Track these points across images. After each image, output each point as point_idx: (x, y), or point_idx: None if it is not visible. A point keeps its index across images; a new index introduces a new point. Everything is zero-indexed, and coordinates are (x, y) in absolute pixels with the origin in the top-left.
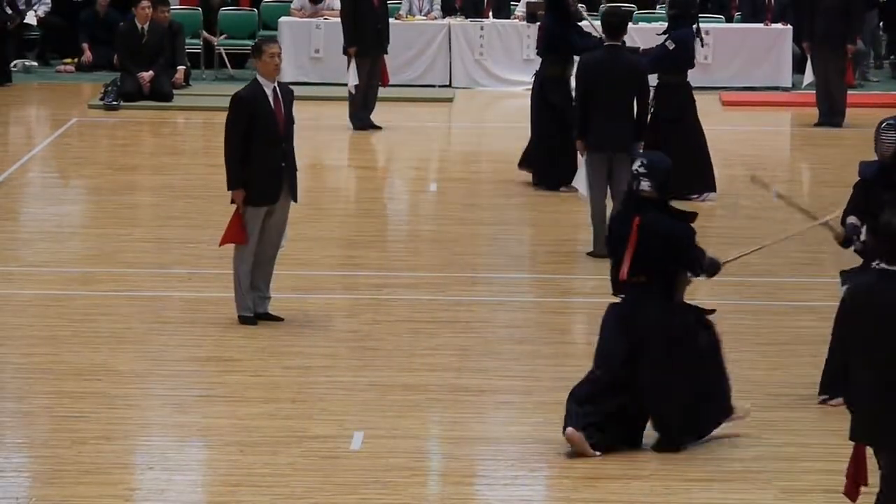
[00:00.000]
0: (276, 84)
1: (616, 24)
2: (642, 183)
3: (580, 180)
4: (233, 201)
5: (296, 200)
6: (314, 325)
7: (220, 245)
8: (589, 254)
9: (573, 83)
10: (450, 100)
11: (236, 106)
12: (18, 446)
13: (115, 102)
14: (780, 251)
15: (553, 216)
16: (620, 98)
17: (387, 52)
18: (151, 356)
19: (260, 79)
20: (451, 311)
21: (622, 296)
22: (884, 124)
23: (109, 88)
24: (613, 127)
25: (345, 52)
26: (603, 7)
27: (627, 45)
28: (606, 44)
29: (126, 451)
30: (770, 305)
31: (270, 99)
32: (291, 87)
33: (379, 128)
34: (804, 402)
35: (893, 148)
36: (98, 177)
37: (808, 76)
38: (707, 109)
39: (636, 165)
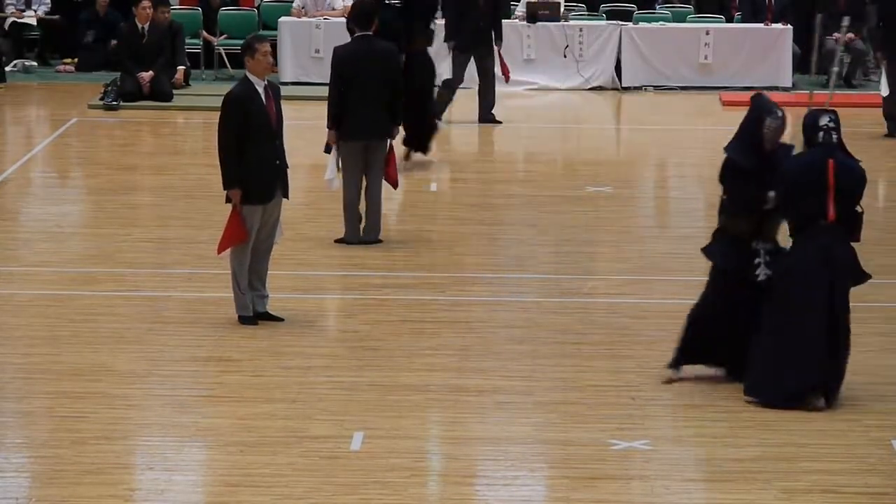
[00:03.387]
0: (266, 82)
1: (366, 13)
2: (834, 135)
3: (330, 169)
4: (228, 200)
5: (287, 197)
6: (314, 325)
7: (219, 252)
8: (338, 241)
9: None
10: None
11: (230, 105)
12: (18, 446)
13: (115, 102)
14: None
15: (553, 216)
16: (375, 86)
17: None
18: (151, 356)
19: (251, 77)
20: (451, 311)
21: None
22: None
23: (109, 88)
24: (370, 115)
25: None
26: (603, 7)
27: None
28: (357, 34)
29: (126, 451)
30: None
31: (263, 97)
32: (293, 85)
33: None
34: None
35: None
36: (98, 177)
37: (884, 87)
38: (707, 109)
39: (826, 121)
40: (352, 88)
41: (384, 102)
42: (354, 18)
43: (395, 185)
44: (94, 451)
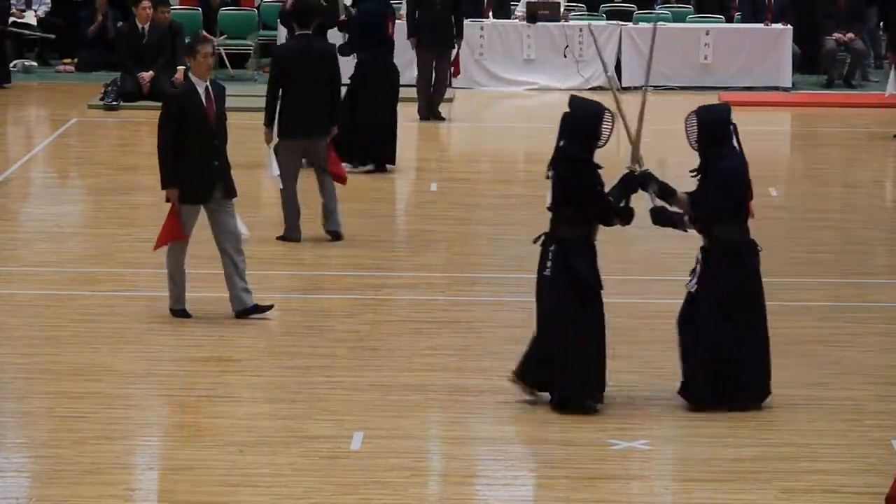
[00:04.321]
0: (208, 83)
1: (305, 12)
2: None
3: (272, 166)
4: (168, 200)
5: (230, 198)
6: (314, 325)
7: (155, 248)
8: (279, 238)
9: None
10: (450, 100)
11: (169, 105)
12: (18, 446)
13: (115, 102)
14: (781, 251)
15: None
16: (314, 84)
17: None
18: (151, 356)
19: (193, 78)
20: (451, 311)
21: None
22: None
23: (109, 88)
24: (308, 113)
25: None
26: (603, 7)
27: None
28: (297, 33)
29: (126, 451)
30: (770, 305)
31: (203, 97)
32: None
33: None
34: (804, 402)
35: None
36: (98, 177)
37: (891, 85)
38: None
39: (731, 115)
40: (291, 87)
41: (323, 101)
42: (294, 16)
43: (343, 181)
44: (94, 451)
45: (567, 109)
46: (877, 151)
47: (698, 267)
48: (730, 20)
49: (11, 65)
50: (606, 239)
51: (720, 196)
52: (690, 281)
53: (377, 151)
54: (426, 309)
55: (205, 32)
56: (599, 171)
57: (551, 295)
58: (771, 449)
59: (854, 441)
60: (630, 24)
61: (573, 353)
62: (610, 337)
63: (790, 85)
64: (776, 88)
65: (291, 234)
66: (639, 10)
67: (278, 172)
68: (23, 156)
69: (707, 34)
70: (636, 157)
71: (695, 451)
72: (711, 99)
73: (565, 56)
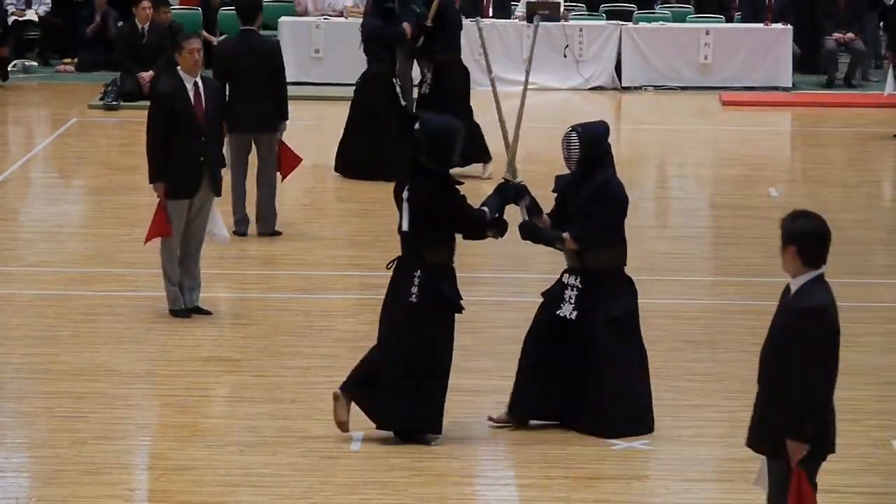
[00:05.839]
0: (197, 79)
1: (250, 7)
2: None
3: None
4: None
5: (218, 195)
6: (314, 325)
7: (144, 243)
8: (235, 233)
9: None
10: None
11: (155, 100)
12: (18, 446)
13: (115, 102)
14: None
15: None
16: (259, 80)
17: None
18: (151, 356)
19: (181, 73)
20: None
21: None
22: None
23: (109, 88)
24: (254, 107)
25: None
26: (603, 7)
27: None
28: (242, 28)
29: (126, 451)
30: (770, 305)
31: (191, 94)
32: (293, 85)
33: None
34: None
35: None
36: (98, 177)
37: (890, 85)
38: (707, 109)
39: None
40: (237, 83)
41: (269, 96)
42: (239, 12)
43: (283, 177)
44: (94, 451)
45: (419, 127)
46: (877, 151)
47: (573, 292)
48: (730, 20)
49: (11, 65)
50: None
51: (612, 215)
52: (563, 307)
53: (476, 149)
54: None
55: (205, 32)
56: (458, 186)
57: (421, 322)
58: None
59: (854, 441)
60: (630, 24)
61: (442, 383)
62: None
63: (790, 85)
64: (776, 88)
65: (241, 227)
66: (639, 10)
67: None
68: (23, 156)
69: (707, 34)
70: (512, 168)
71: (695, 451)
72: (712, 98)
73: (565, 56)
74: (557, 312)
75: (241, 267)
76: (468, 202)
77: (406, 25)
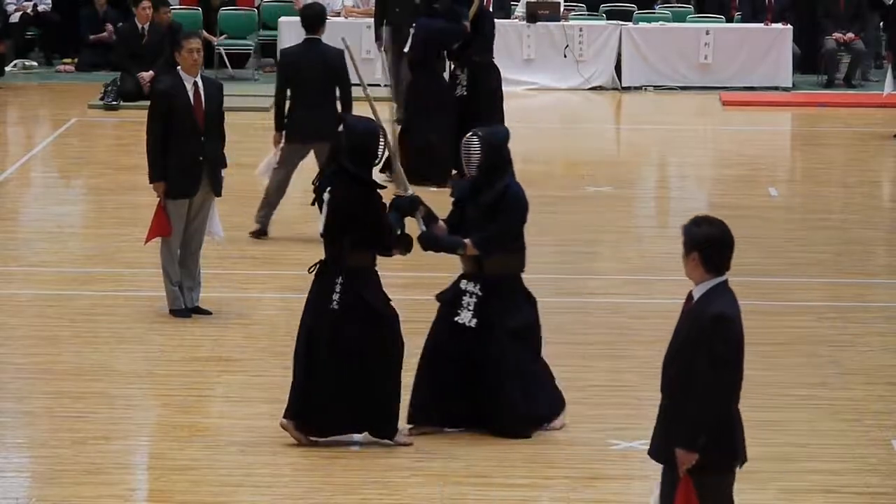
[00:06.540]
0: (198, 78)
1: (313, 16)
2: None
3: (266, 166)
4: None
5: (218, 195)
6: None
7: (145, 243)
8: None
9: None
10: None
11: (154, 99)
12: (18, 446)
13: (115, 102)
14: (781, 251)
15: (553, 216)
16: (319, 89)
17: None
18: (151, 356)
19: (181, 73)
20: None
21: None
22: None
23: (109, 88)
24: (314, 116)
25: None
26: (603, 7)
27: None
28: (305, 37)
29: (126, 451)
30: (769, 305)
31: (190, 93)
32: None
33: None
34: (804, 402)
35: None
36: (98, 177)
37: (889, 85)
38: (707, 109)
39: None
40: (299, 90)
41: (330, 105)
42: (303, 21)
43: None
44: (94, 451)
45: (342, 129)
46: (877, 151)
47: (472, 299)
48: (730, 20)
49: (11, 64)
50: (607, 239)
51: (515, 221)
52: (462, 314)
53: None
54: (425, 309)
55: (205, 32)
56: (379, 191)
57: (345, 331)
58: (771, 449)
59: (854, 441)
60: (630, 24)
61: (373, 388)
62: (611, 336)
63: (790, 85)
64: (776, 88)
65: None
66: (639, 10)
67: (264, 171)
68: (23, 156)
69: (707, 34)
70: (401, 180)
71: None
72: (712, 98)
73: (565, 56)
74: (456, 319)
75: (241, 267)
76: (384, 213)
77: (465, 24)
